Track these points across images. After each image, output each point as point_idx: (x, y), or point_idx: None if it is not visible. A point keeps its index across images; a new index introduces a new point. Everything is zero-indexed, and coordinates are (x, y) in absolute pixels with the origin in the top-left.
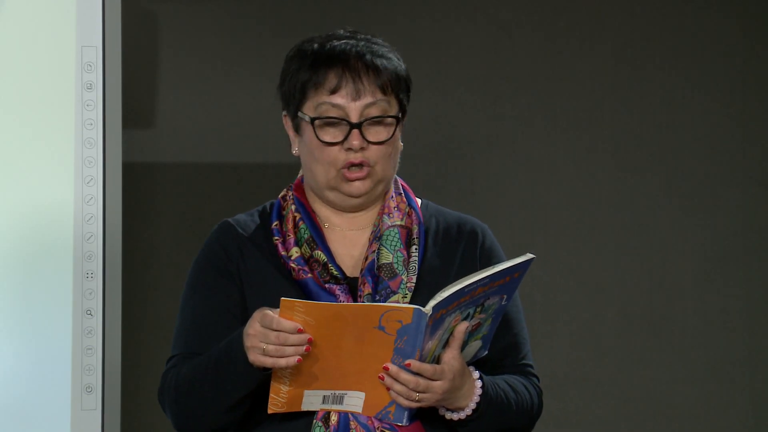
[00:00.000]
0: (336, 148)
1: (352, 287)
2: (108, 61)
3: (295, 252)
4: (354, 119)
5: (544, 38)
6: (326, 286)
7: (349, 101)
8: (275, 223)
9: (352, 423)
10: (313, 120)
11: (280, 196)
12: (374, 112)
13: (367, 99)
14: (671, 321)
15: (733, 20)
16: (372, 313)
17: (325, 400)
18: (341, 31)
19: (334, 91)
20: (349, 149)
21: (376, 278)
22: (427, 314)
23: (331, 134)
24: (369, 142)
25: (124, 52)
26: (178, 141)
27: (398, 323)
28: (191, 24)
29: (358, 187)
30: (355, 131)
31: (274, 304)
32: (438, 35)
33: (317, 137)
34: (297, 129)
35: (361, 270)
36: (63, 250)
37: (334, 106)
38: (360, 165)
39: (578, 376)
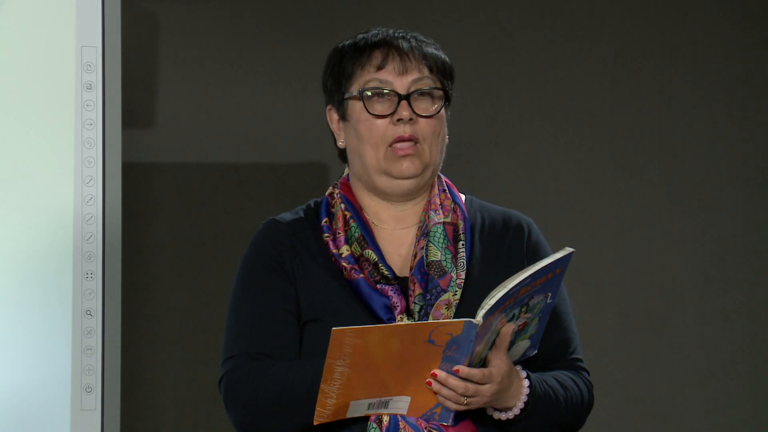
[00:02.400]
0: (385, 121)
1: (402, 287)
2: (108, 61)
3: (345, 250)
4: (402, 92)
5: (544, 38)
6: (378, 286)
7: (396, 76)
8: (325, 220)
9: (401, 423)
10: (362, 92)
11: (327, 193)
12: (421, 86)
13: (414, 74)
14: (671, 321)
15: (733, 20)
16: (422, 331)
17: (370, 406)
18: (379, 27)
19: (380, 68)
20: (399, 120)
21: (426, 276)
22: (477, 324)
23: (379, 108)
24: (418, 115)
25: (124, 52)
26: (178, 141)
27: (448, 335)
28: (191, 24)
29: (408, 166)
30: (404, 102)
31: (327, 305)
32: (438, 35)
33: (366, 110)
34: (344, 116)
35: (411, 268)
36: (63, 251)
37: (382, 81)
38: (409, 140)
39: None
